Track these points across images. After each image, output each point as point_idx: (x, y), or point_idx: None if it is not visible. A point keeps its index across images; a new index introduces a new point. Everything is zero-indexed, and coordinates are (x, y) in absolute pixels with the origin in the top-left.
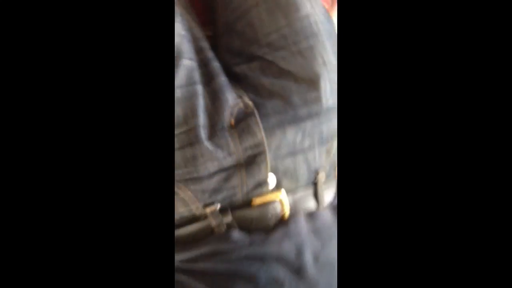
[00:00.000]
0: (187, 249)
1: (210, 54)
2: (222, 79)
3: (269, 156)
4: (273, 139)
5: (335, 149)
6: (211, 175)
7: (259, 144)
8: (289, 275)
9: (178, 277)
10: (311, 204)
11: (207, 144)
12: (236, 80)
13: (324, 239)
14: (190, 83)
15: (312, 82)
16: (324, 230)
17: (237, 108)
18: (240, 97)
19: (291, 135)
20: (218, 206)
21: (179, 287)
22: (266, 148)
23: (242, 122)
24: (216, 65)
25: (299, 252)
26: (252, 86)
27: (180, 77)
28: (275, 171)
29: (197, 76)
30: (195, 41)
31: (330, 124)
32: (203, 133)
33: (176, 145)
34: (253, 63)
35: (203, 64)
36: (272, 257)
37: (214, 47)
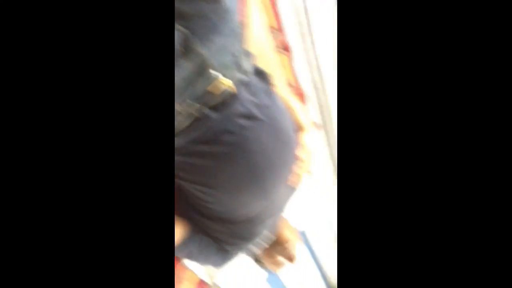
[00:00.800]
0: (186, 133)
1: None
2: None
3: (210, 60)
4: (208, 47)
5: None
6: (184, 88)
7: (203, 57)
8: (247, 121)
9: (188, 149)
10: (242, 77)
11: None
12: None
13: (257, 94)
14: None
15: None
16: (255, 88)
17: (180, 39)
18: (177, 29)
19: (217, 40)
20: (194, 103)
21: (185, 165)
22: (207, 57)
23: (188, 47)
24: None
25: (248, 108)
26: (180, 19)
27: None
28: (215, 68)
29: None
30: None
31: (233, 18)
32: None
33: None
34: None
35: None
36: (234, 116)
37: None
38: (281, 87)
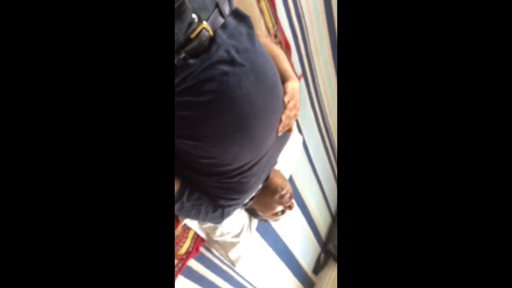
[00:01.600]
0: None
1: None
2: None
3: (187, 3)
4: None
5: None
6: None
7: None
8: (228, 66)
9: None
10: (220, 20)
11: None
12: None
13: (236, 37)
14: None
15: None
16: (234, 32)
17: None
18: None
19: None
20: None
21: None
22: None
23: None
24: None
25: (228, 52)
26: None
27: None
28: (194, 11)
29: None
30: None
31: None
32: None
33: None
34: None
35: None
36: (216, 62)
37: None
38: (262, 35)
